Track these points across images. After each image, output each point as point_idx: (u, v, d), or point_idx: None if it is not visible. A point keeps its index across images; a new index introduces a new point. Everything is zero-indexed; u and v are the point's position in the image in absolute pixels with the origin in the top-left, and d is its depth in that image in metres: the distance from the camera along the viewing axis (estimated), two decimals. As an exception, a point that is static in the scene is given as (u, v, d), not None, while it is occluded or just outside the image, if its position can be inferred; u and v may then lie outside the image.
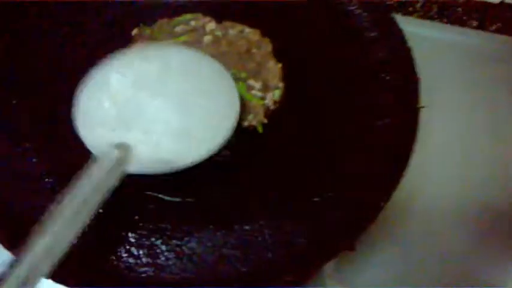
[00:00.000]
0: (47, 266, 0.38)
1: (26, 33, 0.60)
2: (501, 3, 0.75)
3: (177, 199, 0.51)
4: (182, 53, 0.54)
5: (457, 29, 0.73)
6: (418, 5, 0.76)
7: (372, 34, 0.61)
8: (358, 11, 0.62)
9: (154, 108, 0.49)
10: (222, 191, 0.52)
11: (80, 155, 0.45)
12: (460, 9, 0.75)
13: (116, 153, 0.45)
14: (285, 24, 0.62)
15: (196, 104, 0.50)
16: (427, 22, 0.73)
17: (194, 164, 0.48)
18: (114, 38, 0.60)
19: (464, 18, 0.75)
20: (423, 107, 0.54)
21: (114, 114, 0.49)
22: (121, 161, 0.45)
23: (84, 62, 0.52)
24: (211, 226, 0.50)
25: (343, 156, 0.54)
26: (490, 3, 0.75)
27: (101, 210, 0.43)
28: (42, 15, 0.61)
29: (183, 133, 0.49)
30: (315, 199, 0.51)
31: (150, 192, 0.51)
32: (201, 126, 0.50)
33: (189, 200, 0.51)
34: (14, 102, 0.56)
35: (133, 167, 0.45)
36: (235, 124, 0.50)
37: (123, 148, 0.46)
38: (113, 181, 0.44)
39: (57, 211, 0.40)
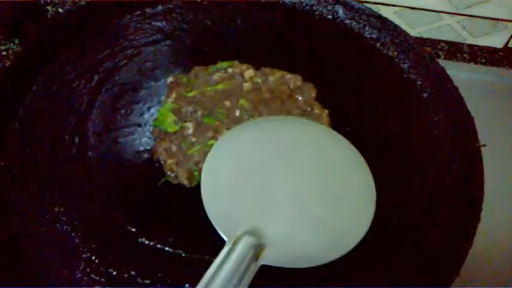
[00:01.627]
0: None
1: (55, 80, 0.56)
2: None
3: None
4: (317, 129, 0.51)
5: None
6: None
7: (417, 79, 0.59)
8: (402, 57, 0.60)
9: (290, 193, 0.43)
10: None
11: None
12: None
13: (250, 240, 0.39)
14: (326, 68, 0.60)
15: (335, 191, 0.45)
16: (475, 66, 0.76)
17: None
18: (149, 86, 0.57)
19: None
20: (484, 145, 0.50)
21: (246, 193, 0.43)
22: (256, 249, 0.38)
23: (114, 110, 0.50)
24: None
25: (399, 206, 0.49)
26: None
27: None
28: (76, 61, 0.58)
29: (323, 225, 0.42)
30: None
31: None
32: (342, 218, 0.43)
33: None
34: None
35: (270, 258, 0.39)
36: (374, 212, 0.44)
37: (256, 235, 0.39)
38: (249, 273, 0.37)
39: None
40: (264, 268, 0.38)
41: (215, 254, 0.43)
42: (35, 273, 0.43)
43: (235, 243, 0.38)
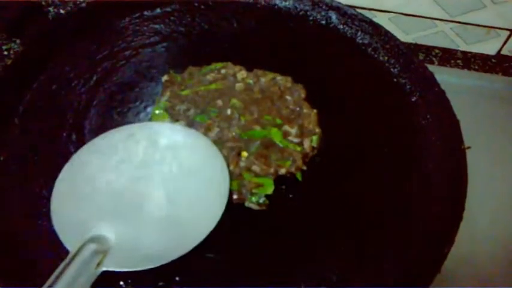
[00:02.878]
0: None
1: (54, 79, 0.58)
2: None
3: (211, 255, 0.47)
4: (171, 132, 0.51)
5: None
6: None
7: (406, 84, 0.61)
8: (392, 62, 0.62)
9: (138, 194, 0.45)
10: (258, 238, 0.48)
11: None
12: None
13: (90, 247, 0.40)
14: (317, 71, 0.61)
15: (185, 191, 0.46)
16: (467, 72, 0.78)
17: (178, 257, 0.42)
18: (146, 86, 0.59)
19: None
20: (469, 147, 0.52)
21: (89, 202, 0.44)
22: (96, 256, 0.40)
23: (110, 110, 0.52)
24: (250, 279, 0.45)
25: (387, 205, 0.51)
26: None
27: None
28: (76, 61, 0.60)
29: (168, 223, 0.44)
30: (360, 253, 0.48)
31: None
32: (189, 214, 0.45)
33: (219, 254, 0.47)
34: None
35: (112, 264, 0.40)
36: (222, 211, 0.45)
37: (100, 241, 0.41)
38: (88, 279, 0.38)
39: None
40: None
41: (204, 248, 0.45)
42: (32, 265, 0.45)
43: (78, 251, 0.39)
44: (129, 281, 0.44)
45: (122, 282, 0.44)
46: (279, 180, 0.51)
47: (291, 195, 0.51)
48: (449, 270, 0.46)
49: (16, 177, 0.50)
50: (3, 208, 0.48)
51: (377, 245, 0.48)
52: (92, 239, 0.41)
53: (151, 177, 0.46)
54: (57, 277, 0.37)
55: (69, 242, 0.41)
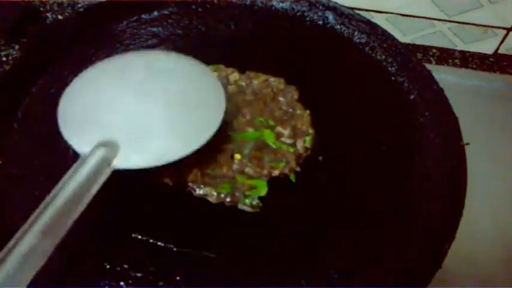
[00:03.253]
0: (31, 267, 0.36)
1: (53, 83, 0.59)
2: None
3: (212, 255, 0.47)
4: (167, 56, 0.55)
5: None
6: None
7: (404, 82, 0.61)
8: (390, 61, 0.63)
9: (140, 107, 0.49)
10: (251, 244, 0.48)
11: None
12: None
13: (101, 151, 0.44)
14: (314, 71, 0.61)
15: (183, 101, 0.50)
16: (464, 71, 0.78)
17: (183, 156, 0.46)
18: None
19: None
20: (467, 144, 0.52)
21: (98, 114, 0.48)
22: (107, 158, 0.44)
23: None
24: (249, 278, 0.45)
25: (386, 203, 0.51)
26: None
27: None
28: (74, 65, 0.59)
29: (171, 129, 0.48)
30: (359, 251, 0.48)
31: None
32: (189, 121, 0.49)
33: (219, 254, 0.47)
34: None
35: (121, 164, 0.44)
36: (222, 117, 0.49)
37: (110, 146, 0.45)
38: (100, 179, 0.42)
39: (44, 208, 0.38)
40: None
41: (203, 248, 0.46)
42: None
43: (89, 154, 0.43)
44: (130, 281, 0.44)
45: (122, 283, 0.44)
46: (272, 182, 0.51)
47: (284, 197, 0.51)
48: (449, 269, 0.46)
49: (16, 181, 0.50)
50: (4, 211, 0.48)
51: (376, 243, 0.48)
52: (101, 144, 0.45)
53: (151, 93, 0.50)
54: (70, 176, 0.41)
55: (81, 147, 0.45)
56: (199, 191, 0.50)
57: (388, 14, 0.79)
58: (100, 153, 0.44)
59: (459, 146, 0.52)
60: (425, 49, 0.82)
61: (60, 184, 0.40)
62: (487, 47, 0.82)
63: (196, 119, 0.49)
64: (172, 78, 0.52)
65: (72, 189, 0.40)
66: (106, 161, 0.43)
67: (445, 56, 0.81)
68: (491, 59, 0.82)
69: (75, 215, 0.39)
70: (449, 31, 0.80)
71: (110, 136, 0.46)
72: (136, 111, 0.49)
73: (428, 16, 0.79)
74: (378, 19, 0.77)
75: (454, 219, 0.47)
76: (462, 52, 0.82)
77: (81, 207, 0.40)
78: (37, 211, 0.38)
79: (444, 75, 0.60)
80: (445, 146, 0.53)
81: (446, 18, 0.78)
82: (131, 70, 0.52)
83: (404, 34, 0.81)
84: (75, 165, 0.42)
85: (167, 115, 0.49)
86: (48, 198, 0.39)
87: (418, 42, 0.82)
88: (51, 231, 0.37)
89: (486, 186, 0.58)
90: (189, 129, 0.48)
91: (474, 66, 0.80)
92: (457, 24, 0.79)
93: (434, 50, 0.82)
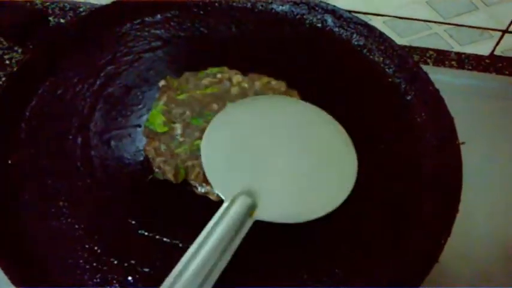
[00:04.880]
0: None
1: (59, 84, 0.59)
2: None
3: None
4: (308, 108, 0.56)
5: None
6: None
7: (401, 83, 0.62)
8: (388, 62, 0.64)
9: (280, 157, 0.50)
10: (252, 241, 0.48)
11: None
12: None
13: (246, 199, 0.44)
14: (313, 73, 0.63)
15: (320, 156, 0.51)
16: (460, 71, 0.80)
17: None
18: (148, 89, 0.60)
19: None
20: (463, 142, 0.53)
21: (241, 160, 0.49)
22: (251, 207, 0.44)
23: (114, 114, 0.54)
24: (253, 273, 0.47)
25: (383, 200, 0.53)
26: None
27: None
28: (80, 66, 0.61)
29: (311, 183, 0.49)
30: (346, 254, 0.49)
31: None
32: (325, 180, 0.50)
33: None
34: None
35: (264, 215, 0.45)
36: (355, 176, 0.50)
37: (253, 194, 0.45)
38: (244, 228, 0.43)
39: (189, 259, 0.39)
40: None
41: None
42: (43, 263, 0.46)
43: (232, 202, 0.44)
44: (137, 276, 0.46)
45: (130, 278, 0.45)
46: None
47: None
48: (446, 264, 0.47)
49: (24, 180, 0.51)
50: (15, 210, 0.49)
51: (373, 238, 0.50)
52: (244, 192, 0.45)
53: (291, 140, 0.52)
54: (216, 224, 0.41)
55: (225, 193, 0.46)
56: (201, 189, 0.51)
57: (384, 17, 0.80)
58: (243, 203, 0.44)
59: (455, 144, 0.53)
60: (422, 51, 0.83)
61: (203, 234, 0.41)
62: (483, 48, 0.83)
63: (332, 179, 0.50)
64: (310, 128, 0.54)
65: (217, 241, 0.41)
66: (248, 211, 0.44)
67: (442, 58, 0.83)
68: (487, 61, 0.83)
69: (222, 265, 0.40)
70: (446, 33, 0.82)
71: (253, 185, 0.46)
72: (277, 161, 0.49)
73: (425, 18, 0.80)
74: (375, 22, 0.79)
75: (450, 215, 0.48)
76: (458, 54, 0.84)
77: (226, 258, 0.40)
78: (183, 260, 0.39)
79: (441, 76, 0.61)
80: (441, 145, 0.55)
81: (442, 20, 0.79)
82: (267, 115, 0.53)
83: (401, 36, 0.83)
84: (218, 213, 0.43)
85: (306, 170, 0.50)
86: (191, 250, 0.40)
87: (414, 45, 0.84)
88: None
89: (482, 184, 0.60)
90: (325, 190, 0.49)
91: (470, 67, 0.82)
92: (453, 26, 0.80)
93: (431, 52, 0.83)
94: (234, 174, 0.48)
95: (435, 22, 0.80)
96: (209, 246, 0.40)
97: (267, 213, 0.45)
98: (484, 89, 0.77)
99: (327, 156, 0.52)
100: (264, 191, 0.46)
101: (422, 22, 0.80)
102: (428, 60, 0.82)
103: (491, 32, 0.80)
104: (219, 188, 0.47)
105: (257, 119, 0.53)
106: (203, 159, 0.49)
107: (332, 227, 0.50)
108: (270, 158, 0.50)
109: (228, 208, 0.43)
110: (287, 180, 0.48)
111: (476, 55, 0.84)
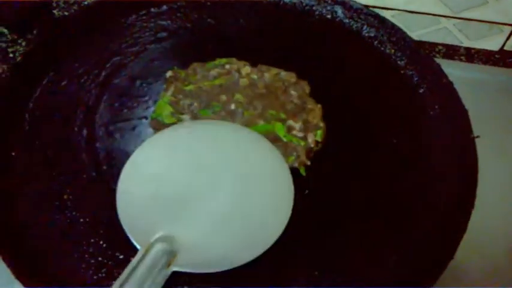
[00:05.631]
0: None
1: (64, 75, 0.58)
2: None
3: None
4: (235, 133, 0.51)
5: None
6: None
7: (413, 76, 0.61)
8: (399, 55, 0.63)
9: (204, 196, 0.45)
10: None
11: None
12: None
13: (159, 246, 0.40)
14: (323, 65, 0.62)
15: (252, 195, 0.46)
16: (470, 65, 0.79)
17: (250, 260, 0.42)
18: (154, 80, 0.59)
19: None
20: (478, 136, 0.52)
21: (155, 202, 0.44)
22: (169, 254, 0.40)
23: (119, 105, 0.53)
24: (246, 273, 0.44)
25: (397, 196, 0.51)
26: None
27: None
28: (85, 57, 0.60)
29: (235, 225, 0.44)
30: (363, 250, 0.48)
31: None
32: (256, 216, 0.45)
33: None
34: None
35: (182, 264, 0.40)
36: (289, 216, 0.45)
37: (168, 241, 0.41)
38: (159, 280, 0.38)
39: None
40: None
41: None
42: (47, 258, 0.45)
43: (147, 250, 0.39)
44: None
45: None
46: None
47: (294, 190, 0.50)
48: (460, 260, 0.46)
49: (28, 172, 0.50)
50: (18, 203, 0.48)
51: (388, 235, 0.48)
52: (160, 239, 0.41)
53: (216, 176, 0.46)
54: (129, 275, 0.37)
55: (138, 241, 0.42)
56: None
57: (393, 11, 0.79)
58: (158, 250, 0.40)
59: (469, 138, 0.52)
60: (431, 46, 0.82)
61: (119, 282, 0.37)
62: (492, 43, 0.82)
63: (264, 219, 0.45)
64: (241, 162, 0.48)
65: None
66: (163, 260, 0.39)
67: (451, 53, 0.81)
68: (496, 56, 0.82)
69: None
70: (455, 28, 0.81)
71: (172, 230, 0.42)
72: (202, 201, 0.44)
73: (434, 13, 0.79)
74: (384, 16, 0.78)
75: (466, 211, 0.47)
76: (468, 49, 0.83)
77: None
78: None
79: (451, 70, 0.60)
80: (455, 138, 0.54)
81: (451, 14, 0.78)
82: (196, 149, 0.48)
83: (410, 31, 0.81)
84: (133, 261, 0.38)
85: (233, 211, 0.44)
86: None
87: (423, 39, 0.83)
88: None
89: (494, 177, 0.58)
90: (254, 231, 0.44)
91: (480, 62, 0.80)
92: (463, 20, 0.79)
93: (440, 47, 0.82)
94: (151, 219, 0.43)
95: (444, 16, 0.79)
96: None
97: (189, 262, 0.40)
98: (494, 83, 0.75)
99: (259, 191, 0.46)
100: (184, 236, 0.41)
101: (431, 16, 0.79)
102: (438, 55, 0.81)
103: (501, 26, 0.79)
104: (133, 236, 0.42)
105: (181, 153, 0.48)
106: (118, 203, 0.44)
107: (345, 223, 0.49)
108: (194, 197, 0.45)
109: (142, 257, 0.39)
110: (213, 223, 0.43)
111: (485, 50, 0.83)
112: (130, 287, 0.36)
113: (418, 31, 0.82)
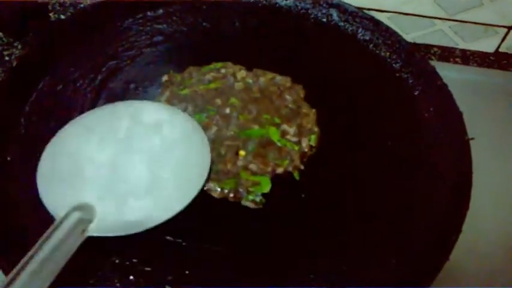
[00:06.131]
0: None
1: (59, 79, 0.58)
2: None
3: (218, 247, 0.47)
4: (153, 109, 0.53)
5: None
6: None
7: (408, 78, 0.61)
8: (394, 57, 0.63)
9: (120, 165, 0.47)
10: (254, 240, 0.48)
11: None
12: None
13: (75, 215, 0.42)
14: (318, 69, 0.62)
15: (166, 160, 0.48)
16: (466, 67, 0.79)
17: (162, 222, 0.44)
18: (150, 85, 0.59)
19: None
20: (472, 138, 0.52)
21: (76, 174, 0.47)
22: (82, 223, 0.42)
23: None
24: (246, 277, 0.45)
25: (388, 201, 0.51)
26: None
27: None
28: (80, 61, 0.60)
29: (151, 191, 0.46)
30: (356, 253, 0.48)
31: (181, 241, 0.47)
32: (171, 182, 0.47)
33: (221, 249, 0.47)
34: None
35: (97, 230, 0.43)
36: (206, 179, 0.48)
37: (85, 209, 0.43)
38: (74, 244, 0.40)
39: (17, 273, 0.36)
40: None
41: (211, 243, 0.46)
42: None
43: (63, 220, 0.42)
44: (139, 275, 0.45)
45: (131, 277, 0.44)
46: (276, 179, 0.51)
47: (288, 194, 0.51)
48: (455, 261, 0.46)
49: (24, 179, 0.50)
50: (14, 206, 0.48)
51: (384, 238, 0.48)
52: (77, 207, 0.43)
53: (134, 150, 0.49)
54: (44, 241, 0.39)
55: (56, 211, 0.43)
56: (203, 186, 0.50)
57: (389, 13, 0.79)
58: (74, 219, 0.42)
59: (464, 140, 0.52)
60: (426, 48, 0.82)
61: (32, 251, 0.38)
62: (487, 45, 0.82)
63: (179, 180, 0.47)
64: (157, 133, 0.50)
65: (44, 257, 0.38)
66: (80, 228, 0.42)
67: (446, 55, 0.82)
68: (491, 58, 0.82)
69: (48, 281, 0.37)
70: (450, 30, 0.81)
71: (86, 199, 0.45)
72: (116, 172, 0.47)
73: (429, 15, 0.79)
74: (379, 18, 0.78)
75: (460, 212, 0.47)
76: (463, 51, 0.83)
77: (54, 273, 0.38)
78: (9, 276, 0.36)
79: (447, 72, 0.60)
80: (450, 140, 0.54)
81: (447, 16, 0.78)
82: (115, 124, 0.50)
83: (405, 33, 0.82)
84: (48, 231, 0.40)
85: (149, 176, 0.47)
86: (20, 263, 0.37)
87: (419, 41, 0.83)
88: None
89: (488, 178, 0.58)
90: (171, 192, 0.47)
91: (475, 64, 0.81)
92: (458, 22, 0.79)
93: (435, 49, 0.82)
94: (68, 191, 0.45)
95: (440, 18, 0.79)
96: (32, 267, 0.37)
97: (104, 227, 0.43)
98: (489, 85, 0.76)
99: (174, 156, 0.49)
100: (100, 204, 0.44)
101: (426, 18, 0.79)
102: (433, 57, 0.81)
103: (496, 28, 0.79)
104: (50, 206, 0.44)
105: (99, 129, 0.50)
106: (38, 182, 0.46)
107: (340, 227, 0.49)
108: (109, 167, 0.47)
109: (58, 225, 0.41)
110: (127, 188, 0.46)
111: (481, 52, 0.83)
112: (44, 254, 0.38)
113: (413, 33, 0.82)
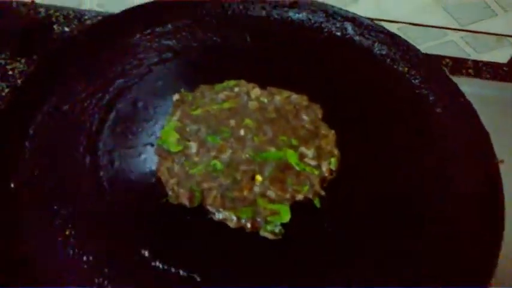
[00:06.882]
0: None
1: (65, 99, 0.56)
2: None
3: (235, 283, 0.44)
4: None
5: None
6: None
7: (429, 95, 0.59)
8: (413, 73, 0.61)
9: None
10: (273, 273, 0.45)
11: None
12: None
13: None
14: (335, 86, 0.59)
15: None
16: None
17: None
18: (160, 104, 0.56)
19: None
20: (502, 161, 0.50)
21: None
22: None
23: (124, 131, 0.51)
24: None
25: (415, 227, 0.48)
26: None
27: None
28: (87, 80, 0.57)
29: None
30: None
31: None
32: None
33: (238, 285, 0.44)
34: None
35: None
36: None
37: None
38: None
39: None
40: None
41: (229, 279, 0.44)
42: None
43: None
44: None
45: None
46: (295, 206, 0.48)
47: (308, 224, 0.48)
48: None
49: (28, 205, 0.48)
50: (18, 238, 0.45)
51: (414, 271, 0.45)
52: None
53: None
54: None
55: None
56: (218, 215, 0.48)
57: (399, 24, 0.77)
58: None
59: (493, 164, 0.50)
60: (438, 59, 0.80)
61: None
62: (500, 56, 0.81)
63: None
64: None
65: None
66: None
67: (458, 66, 0.80)
68: (505, 68, 0.80)
69: None
70: (462, 40, 0.79)
71: None
72: None
73: (440, 25, 0.77)
74: (389, 29, 0.76)
75: (497, 234, 0.45)
76: (475, 62, 0.81)
77: None
78: None
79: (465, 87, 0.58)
80: (476, 163, 0.52)
81: (458, 27, 0.77)
82: None
83: (416, 44, 0.79)
84: None
85: None
86: None
87: (430, 52, 0.81)
88: None
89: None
90: None
91: (488, 76, 0.79)
92: (470, 33, 0.78)
93: (447, 60, 0.81)
94: None
95: (451, 29, 0.78)
96: None
97: None
98: (502, 98, 0.74)
99: None
100: None
101: (438, 29, 0.78)
102: (445, 69, 0.79)
103: (509, 38, 0.78)
104: None
105: None
106: None
107: (367, 260, 0.46)
108: None
109: None
110: None
111: (493, 63, 0.81)
112: None
113: (424, 44, 0.80)
